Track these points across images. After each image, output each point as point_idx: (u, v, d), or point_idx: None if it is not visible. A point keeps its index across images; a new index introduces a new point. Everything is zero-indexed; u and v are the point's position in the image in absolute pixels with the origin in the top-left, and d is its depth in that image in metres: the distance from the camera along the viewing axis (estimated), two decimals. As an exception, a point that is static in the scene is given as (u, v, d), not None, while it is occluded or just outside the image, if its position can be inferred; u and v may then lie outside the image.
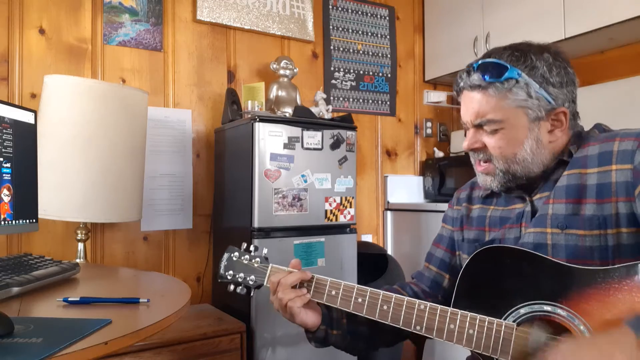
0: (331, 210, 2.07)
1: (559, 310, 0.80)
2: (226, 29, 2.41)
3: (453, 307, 0.89)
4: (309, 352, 1.95)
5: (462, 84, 0.95)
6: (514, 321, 0.83)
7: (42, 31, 2.00)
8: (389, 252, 2.81)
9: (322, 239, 2.02)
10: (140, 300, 0.95)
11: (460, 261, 1.07)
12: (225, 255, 1.07)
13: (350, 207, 2.12)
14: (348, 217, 2.11)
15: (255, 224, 1.88)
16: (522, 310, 0.83)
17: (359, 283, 2.12)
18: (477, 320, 0.85)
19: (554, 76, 0.90)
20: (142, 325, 0.80)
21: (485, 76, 0.90)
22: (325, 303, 0.98)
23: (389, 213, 2.88)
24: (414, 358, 2.68)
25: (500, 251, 0.89)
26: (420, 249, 2.61)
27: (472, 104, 0.94)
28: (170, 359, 1.68)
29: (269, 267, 1.03)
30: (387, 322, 0.93)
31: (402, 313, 0.91)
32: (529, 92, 0.89)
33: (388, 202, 2.89)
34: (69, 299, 0.92)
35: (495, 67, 0.90)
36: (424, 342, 2.61)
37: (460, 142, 2.92)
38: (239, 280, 1.04)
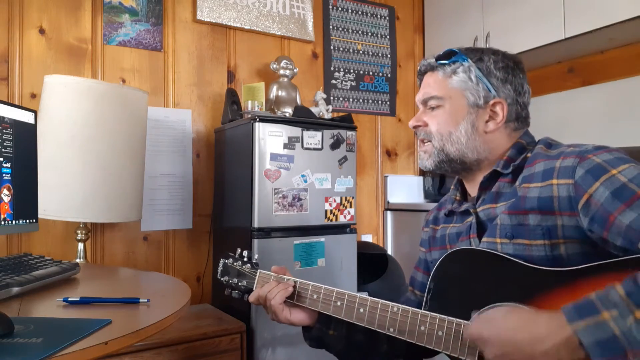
0: (331, 210, 2.07)
1: None
2: (226, 29, 2.41)
3: (425, 309, 0.91)
4: (309, 352, 1.94)
5: (420, 68, 1.06)
6: None
7: (42, 31, 2.00)
8: (389, 252, 2.81)
9: (322, 239, 2.02)
10: (140, 300, 0.95)
11: None
12: (221, 261, 1.15)
13: (350, 207, 2.12)
14: (348, 217, 2.11)
15: (255, 224, 1.88)
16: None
17: (358, 283, 2.13)
18: (446, 322, 0.87)
19: (498, 70, 0.98)
20: (142, 325, 0.80)
21: (438, 60, 1.01)
22: (309, 307, 1.02)
23: (389, 213, 2.88)
24: None
25: (468, 254, 0.91)
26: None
27: (424, 86, 1.03)
28: (170, 359, 1.68)
29: (257, 273, 1.10)
30: (363, 325, 0.95)
31: (377, 315, 0.94)
32: (471, 76, 0.97)
33: (388, 202, 2.89)
34: (69, 299, 0.93)
35: (447, 53, 1.01)
36: None
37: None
38: (233, 285, 1.12)
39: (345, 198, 2.11)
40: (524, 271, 0.83)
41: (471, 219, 0.98)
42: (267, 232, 1.90)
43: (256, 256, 1.14)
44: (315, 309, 1.01)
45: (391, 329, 0.92)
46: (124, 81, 2.16)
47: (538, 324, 0.72)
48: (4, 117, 1.14)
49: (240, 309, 1.93)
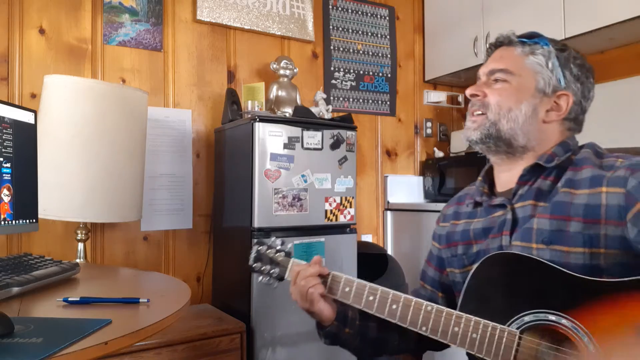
0: (331, 210, 2.06)
1: (564, 321, 0.79)
2: (226, 29, 2.41)
3: (459, 310, 0.89)
4: (309, 352, 1.95)
5: (497, 39, 1.02)
6: (517, 328, 0.83)
7: (42, 31, 2.00)
8: (389, 252, 2.81)
9: (322, 239, 2.02)
10: (140, 300, 0.95)
11: (452, 277, 1.07)
12: (255, 247, 1.13)
13: (350, 207, 2.12)
14: (348, 217, 2.11)
15: (255, 224, 1.88)
16: (527, 318, 0.82)
17: (359, 283, 2.12)
18: (481, 325, 0.85)
19: (576, 66, 0.96)
20: (142, 325, 0.80)
21: (519, 37, 0.99)
22: (339, 299, 1.00)
23: (389, 213, 2.88)
24: None
25: (509, 257, 0.88)
26: (420, 249, 2.61)
27: (495, 59, 1.00)
28: (170, 359, 1.68)
29: (291, 261, 1.08)
30: (394, 321, 0.93)
31: (410, 313, 0.92)
32: (548, 62, 0.95)
33: (388, 202, 2.89)
34: (69, 299, 0.92)
35: (530, 33, 0.99)
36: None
37: (460, 143, 2.92)
38: (265, 271, 1.09)
39: (345, 198, 2.11)
40: (566, 279, 0.81)
41: (505, 214, 0.95)
42: (267, 232, 1.90)
43: (289, 245, 1.13)
44: (347, 302, 0.99)
45: (424, 328, 0.90)
46: (124, 81, 2.16)
47: None
48: (4, 117, 1.14)
49: (241, 309, 1.93)
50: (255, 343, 1.86)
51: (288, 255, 1.10)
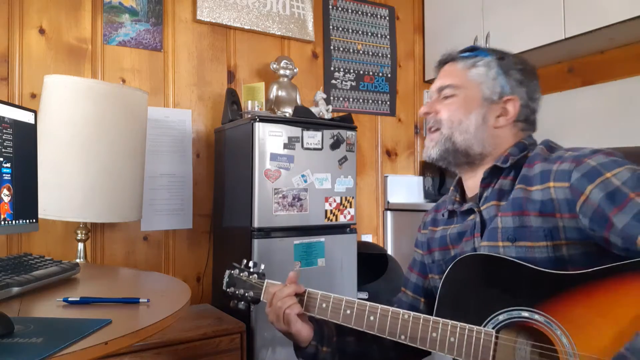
0: (331, 210, 2.07)
1: (536, 316, 0.80)
2: (226, 29, 2.41)
3: (435, 315, 0.91)
4: (309, 352, 1.95)
5: (441, 58, 1.08)
6: (493, 328, 0.84)
7: (42, 31, 2.00)
8: (389, 252, 2.81)
9: (322, 239, 2.02)
10: (140, 300, 0.95)
11: (433, 283, 1.09)
12: (227, 272, 1.14)
13: (350, 207, 2.12)
14: (348, 217, 2.11)
15: (255, 224, 1.88)
16: (501, 317, 0.84)
17: (358, 283, 2.13)
18: (458, 328, 0.86)
19: (517, 71, 1.00)
20: (142, 325, 0.80)
21: (460, 52, 1.05)
22: (317, 316, 1.01)
23: (389, 213, 2.88)
24: None
25: (478, 259, 0.90)
26: (420, 249, 2.60)
27: (441, 76, 1.06)
28: (170, 359, 1.68)
29: (265, 282, 1.09)
30: (374, 333, 0.95)
31: (388, 323, 0.93)
32: (489, 72, 1.00)
33: (388, 202, 2.89)
34: (69, 299, 0.92)
35: (470, 47, 1.05)
36: None
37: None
38: (239, 296, 1.11)
39: (345, 198, 2.11)
40: (534, 275, 0.82)
41: (474, 217, 0.98)
42: (267, 232, 1.90)
43: (262, 266, 1.14)
44: (324, 318, 1.00)
45: (402, 336, 0.91)
46: (124, 81, 2.16)
47: None
48: (4, 117, 1.14)
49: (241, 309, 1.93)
50: (255, 343, 1.86)
51: (262, 276, 1.11)
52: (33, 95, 1.97)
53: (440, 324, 0.88)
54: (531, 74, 1.02)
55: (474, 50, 1.03)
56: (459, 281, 0.90)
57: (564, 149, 0.93)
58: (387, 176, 2.90)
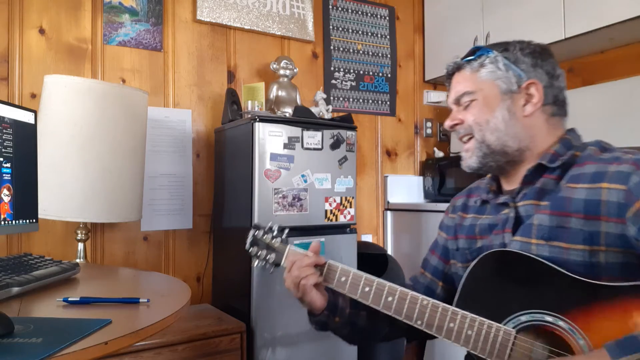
0: (331, 210, 2.06)
1: (560, 322, 0.79)
2: (226, 29, 2.41)
3: (456, 306, 0.89)
4: (309, 352, 1.95)
5: (447, 70, 1.06)
6: (513, 327, 0.83)
7: (42, 31, 2.00)
8: (389, 252, 2.81)
9: (322, 239, 2.02)
10: (140, 300, 0.95)
11: (455, 269, 1.07)
12: (251, 232, 1.12)
13: (350, 207, 2.12)
14: (348, 217, 2.11)
15: (255, 224, 1.88)
16: (523, 318, 0.83)
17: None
18: (477, 323, 0.85)
19: (526, 56, 0.97)
20: (142, 325, 0.80)
21: (463, 58, 1.02)
22: (334, 288, 1.01)
23: (389, 213, 2.88)
24: (414, 357, 2.69)
25: (509, 256, 0.87)
26: (420, 249, 2.61)
27: (453, 86, 1.03)
28: (170, 359, 1.68)
29: (287, 248, 1.08)
30: (389, 313, 0.94)
31: (405, 306, 0.92)
32: (498, 65, 0.97)
33: (388, 202, 2.89)
34: (69, 299, 0.92)
35: (472, 50, 1.01)
36: (424, 344, 2.61)
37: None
38: (261, 257, 1.10)
39: (345, 198, 2.11)
40: (564, 281, 0.80)
41: (509, 212, 0.95)
42: (267, 232, 1.90)
43: (287, 231, 1.12)
44: (342, 291, 1.00)
45: (419, 322, 0.91)
46: (124, 81, 2.16)
47: None
48: (4, 117, 1.14)
49: (241, 309, 1.93)
50: (255, 343, 1.86)
51: (285, 242, 1.10)
52: (33, 95, 1.97)
53: (459, 316, 0.87)
54: (543, 53, 0.98)
55: (475, 52, 1.00)
56: (486, 275, 0.88)
57: (620, 150, 0.89)
58: (387, 176, 2.90)
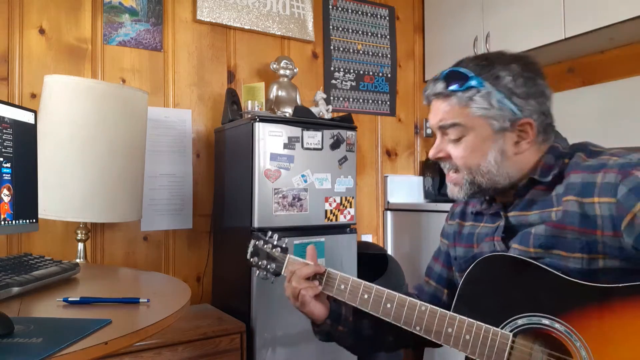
0: (331, 210, 2.06)
1: (557, 325, 0.79)
2: (226, 29, 2.41)
3: (453, 311, 0.90)
4: (309, 352, 1.95)
5: (427, 92, 0.96)
6: (510, 331, 0.83)
7: (42, 31, 2.00)
8: (389, 252, 2.81)
9: (322, 239, 2.02)
10: (140, 300, 0.95)
11: (456, 277, 1.07)
12: (252, 242, 1.17)
13: (350, 207, 2.12)
14: (348, 217, 2.11)
15: (255, 224, 1.88)
16: (520, 321, 0.83)
17: (359, 283, 2.12)
18: (474, 327, 0.85)
19: (519, 87, 0.88)
20: (142, 325, 0.80)
21: (449, 86, 0.91)
22: (334, 296, 1.02)
23: (389, 213, 2.88)
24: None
25: (506, 260, 0.87)
26: (420, 249, 2.61)
27: (437, 111, 0.94)
28: (170, 359, 1.68)
29: (287, 258, 1.11)
30: (389, 320, 0.94)
31: (404, 312, 0.93)
32: (491, 101, 0.88)
33: (388, 202, 2.89)
34: (69, 299, 0.93)
35: (458, 76, 0.90)
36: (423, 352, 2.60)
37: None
38: (262, 266, 1.13)
39: (345, 198, 2.11)
40: (560, 283, 0.80)
41: (500, 221, 0.95)
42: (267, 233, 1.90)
43: (286, 240, 1.15)
44: (341, 299, 1.01)
45: (417, 328, 0.91)
46: (124, 81, 2.16)
47: None
48: (4, 117, 1.14)
49: (241, 309, 1.93)
50: (255, 343, 1.86)
51: (284, 251, 1.12)
52: (33, 95, 1.97)
53: (457, 320, 0.87)
54: (533, 76, 0.90)
55: (464, 83, 0.89)
56: (482, 280, 0.89)
57: (606, 152, 0.86)
58: (387, 176, 2.90)
